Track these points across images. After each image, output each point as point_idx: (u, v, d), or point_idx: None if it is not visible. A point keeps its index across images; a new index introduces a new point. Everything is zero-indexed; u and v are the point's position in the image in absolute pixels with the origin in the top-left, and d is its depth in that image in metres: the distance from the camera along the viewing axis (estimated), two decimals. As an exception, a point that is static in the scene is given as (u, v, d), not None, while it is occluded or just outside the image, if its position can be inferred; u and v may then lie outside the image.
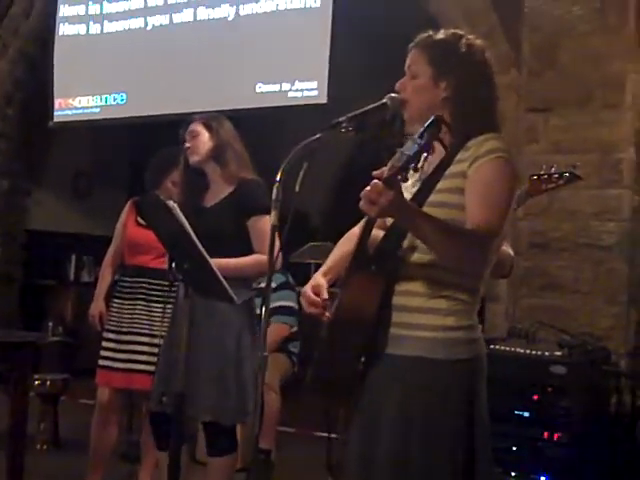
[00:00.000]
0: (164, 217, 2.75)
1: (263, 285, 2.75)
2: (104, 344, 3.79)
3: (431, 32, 2.11)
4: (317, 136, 2.08)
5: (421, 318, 1.94)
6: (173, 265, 2.82)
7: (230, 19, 6.06)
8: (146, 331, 3.74)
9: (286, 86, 5.72)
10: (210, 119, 3.23)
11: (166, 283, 3.63)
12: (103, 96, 6.61)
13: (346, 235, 2.25)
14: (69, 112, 6.81)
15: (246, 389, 3.02)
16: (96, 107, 6.67)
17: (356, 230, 2.22)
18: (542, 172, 3.09)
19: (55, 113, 6.87)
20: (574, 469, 3.52)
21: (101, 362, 3.77)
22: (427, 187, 1.99)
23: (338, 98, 5.26)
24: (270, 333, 4.41)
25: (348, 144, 7.35)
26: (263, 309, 2.07)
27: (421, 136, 1.74)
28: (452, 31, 2.12)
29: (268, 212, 3.04)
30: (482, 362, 2.00)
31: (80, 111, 6.75)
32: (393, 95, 2.09)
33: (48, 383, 4.94)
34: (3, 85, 7.32)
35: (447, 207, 1.93)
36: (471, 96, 2.01)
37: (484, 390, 2.00)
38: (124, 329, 3.77)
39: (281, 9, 5.82)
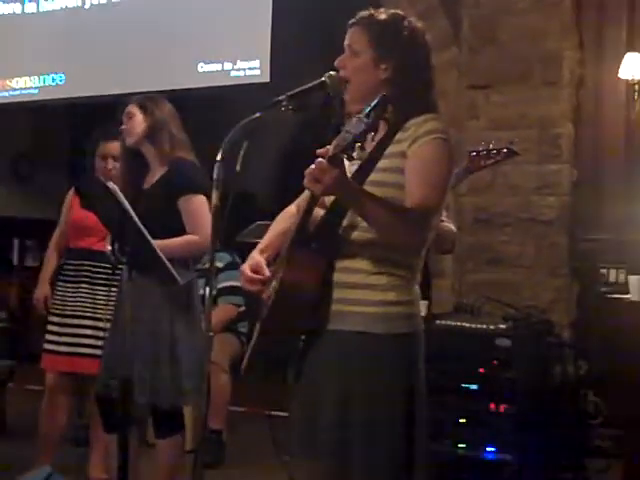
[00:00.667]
0: (105, 199, 2.72)
1: (207, 266, 2.74)
2: (49, 328, 3.75)
3: (372, 11, 2.10)
4: (256, 115, 2.07)
5: (361, 294, 1.97)
6: (115, 247, 2.79)
7: (170, -3, 5.98)
8: (89, 314, 3.70)
9: (228, 65, 5.67)
10: (146, 100, 3.19)
11: (110, 266, 3.62)
12: (41, 77, 6.48)
13: (282, 213, 2.26)
14: (6, 94, 6.66)
15: (181, 371, 3.01)
16: (34, 88, 6.53)
17: (292, 208, 2.23)
18: (480, 148, 3.13)
19: (-8, 95, 6.72)
20: (521, 440, 3.60)
21: (46, 346, 3.73)
22: (367, 166, 2.01)
23: (285, 77, 5.24)
24: (218, 313, 4.47)
25: (292, 123, 7.32)
26: (207, 290, 2.07)
27: (367, 115, 1.75)
28: (394, 11, 2.12)
29: (200, 192, 3.06)
30: (421, 337, 2.04)
31: (18, 92, 6.60)
32: (332, 73, 2.09)
33: (-6, 369, 4.87)
34: (-63, 67, 7.12)
35: (386, 186, 1.96)
36: (411, 79, 2.03)
37: (422, 364, 2.04)
38: (68, 312, 3.73)
39: (222, -14, 5.76)
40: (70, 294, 3.75)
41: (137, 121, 3.15)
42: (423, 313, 3.13)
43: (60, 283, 3.81)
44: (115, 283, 3.48)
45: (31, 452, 3.79)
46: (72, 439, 4.26)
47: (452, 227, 3.10)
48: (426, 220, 1.93)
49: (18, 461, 3.90)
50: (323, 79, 2.08)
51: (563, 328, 4.31)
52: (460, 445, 3.64)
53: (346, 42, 2.09)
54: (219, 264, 4.56)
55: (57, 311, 3.75)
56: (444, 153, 1.97)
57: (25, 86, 6.57)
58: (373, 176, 1.98)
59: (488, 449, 3.59)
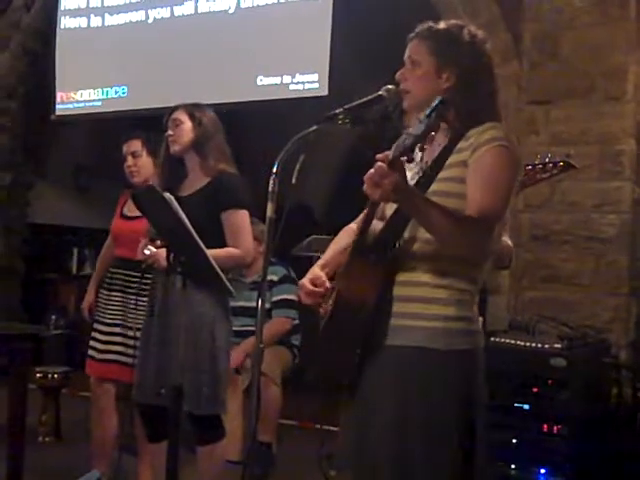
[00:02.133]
0: (160, 209, 2.75)
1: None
2: (92, 334, 3.83)
3: (432, 23, 2.10)
4: (313, 128, 2.08)
5: (421, 308, 1.94)
6: (171, 257, 2.81)
7: (231, 12, 6.05)
8: (120, 322, 3.74)
9: (287, 79, 5.71)
10: (194, 108, 3.21)
11: (144, 275, 3.62)
12: (104, 89, 6.61)
13: (343, 230, 2.25)
14: (71, 105, 6.81)
15: (221, 380, 3.03)
16: (97, 100, 6.67)
17: (353, 226, 2.22)
18: (537, 162, 3.07)
19: (57, 107, 6.86)
20: (574, 462, 3.52)
21: (88, 352, 3.81)
22: (429, 176, 1.99)
23: (342, 91, 5.25)
24: (272, 326, 4.48)
25: (351, 137, 7.33)
26: (259, 302, 2.07)
27: (428, 116, 1.73)
28: (454, 22, 2.11)
29: (243, 207, 3.08)
30: (480, 354, 2.00)
31: (82, 104, 6.75)
32: (389, 87, 2.09)
33: (50, 376, 4.95)
34: (5, 79, 7.31)
35: (448, 196, 1.93)
36: (473, 87, 2.01)
37: (482, 382, 2.00)
38: (103, 320, 3.80)
39: (282, 1, 5.81)
40: (104, 302, 3.83)
41: (185, 129, 3.16)
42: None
43: (101, 291, 3.90)
44: (144, 292, 3.52)
45: (85, 459, 3.85)
46: (123, 447, 4.29)
47: (509, 242, 3.06)
48: (487, 228, 1.89)
49: (73, 468, 3.96)
50: (380, 93, 2.09)
51: (621, 349, 4.20)
52: (512, 466, 3.57)
53: (406, 55, 2.09)
54: (274, 277, 4.57)
55: (98, 318, 3.84)
56: (506, 160, 1.94)
57: (89, 98, 6.71)
58: (435, 186, 1.96)
59: (540, 470, 3.52)
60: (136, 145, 3.85)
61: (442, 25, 2.08)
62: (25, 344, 3.32)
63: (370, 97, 2.11)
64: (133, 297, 3.72)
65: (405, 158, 1.75)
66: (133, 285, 3.72)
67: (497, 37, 4.84)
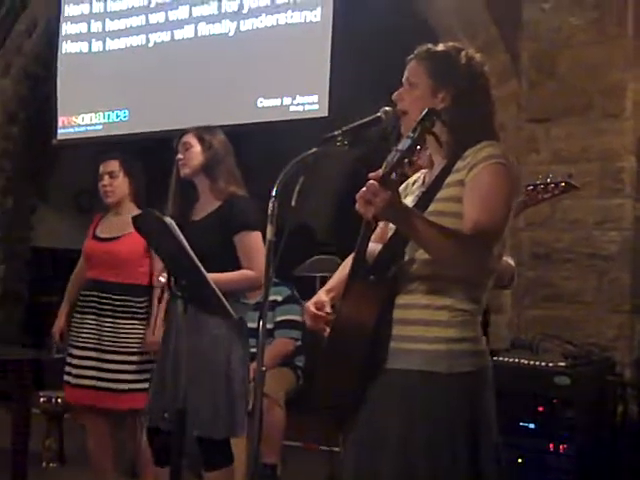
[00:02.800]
0: (161, 233, 2.75)
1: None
2: (66, 359, 3.77)
3: (430, 45, 2.12)
4: (312, 151, 2.09)
5: (422, 331, 1.92)
6: (172, 281, 2.81)
7: (231, 34, 6.08)
8: (94, 346, 3.70)
9: (287, 100, 5.73)
10: (204, 131, 3.23)
11: (116, 297, 3.68)
12: (106, 113, 6.63)
13: (350, 257, 2.24)
14: (72, 130, 6.83)
15: (236, 403, 3.02)
16: (99, 124, 6.69)
17: None
18: (538, 182, 3.08)
19: (58, 131, 6.88)
20: (580, 480, 3.50)
21: (64, 377, 3.75)
22: (427, 197, 1.99)
23: (342, 112, 5.27)
24: (275, 347, 4.47)
25: (352, 158, 7.35)
26: (260, 323, 2.07)
27: (414, 130, 1.74)
28: (452, 44, 2.13)
29: (255, 228, 3.08)
30: (487, 375, 1.98)
31: (83, 128, 6.76)
32: (387, 109, 2.11)
33: (53, 400, 4.93)
34: (7, 104, 7.36)
35: (446, 216, 1.93)
36: (469, 107, 2.01)
37: (491, 402, 1.98)
38: (77, 344, 3.74)
39: (281, 24, 5.84)
40: (78, 325, 3.78)
41: (195, 152, 3.18)
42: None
43: (74, 314, 3.86)
44: (120, 315, 3.54)
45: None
46: (126, 471, 4.27)
47: (511, 261, 3.05)
48: (485, 246, 1.87)
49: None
50: (379, 114, 2.10)
51: (625, 366, 4.18)
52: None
53: (404, 76, 2.10)
54: (278, 297, 4.56)
55: (72, 342, 3.78)
56: (503, 178, 1.93)
57: (90, 122, 6.73)
58: (433, 206, 1.96)
59: (546, 490, 3.50)
60: (114, 165, 3.85)
61: (440, 47, 2.10)
62: (27, 369, 3.32)
63: (368, 119, 2.12)
64: (109, 320, 3.69)
65: (395, 174, 1.75)
66: (107, 307, 3.70)
67: (496, 57, 4.87)
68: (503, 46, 4.94)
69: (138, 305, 3.75)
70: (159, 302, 3.12)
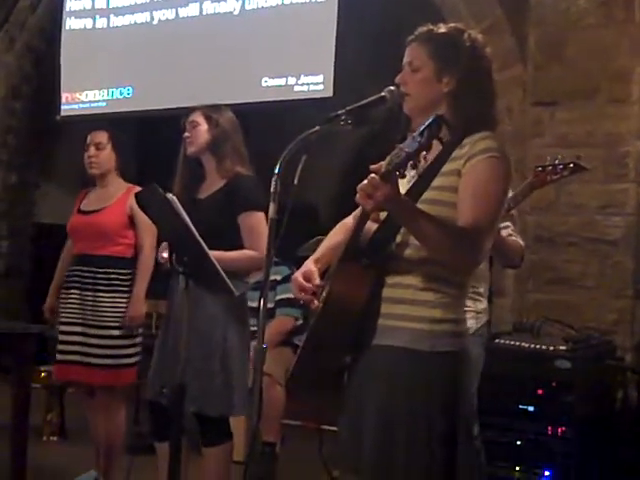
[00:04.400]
0: (163, 210, 2.75)
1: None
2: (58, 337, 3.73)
3: (431, 26, 2.09)
4: (315, 129, 2.08)
5: (408, 309, 1.95)
6: (173, 257, 2.82)
7: (236, 13, 6.06)
8: (79, 321, 3.66)
9: (292, 80, 5.71)
10: (211, 110, 3.22)
11: (99, 270, 3.64)
12: (110, 90, 6.62)
13: (338, 225, 2.27)
14: (76, 106, 6.82)
15: (232, 382, 3.03)
16: (103, 101, 6.68)
17: (348, 220, 2.23)
18: (547, 163, 3.07)
19: (62, 107, 6.87)
20: (579, 464, 3.51)
21: (56, 356, 3.71)
22: (423, 183, 1.99)
23: (349, 92, 5.25)
24: (275, 325, 4.48)
25: (357, 137, 7.33)
26: (261, 302, 2.07)
27: (421, 134, 1.73)
28: (453, 25, 2.11)
29: (260, 209, 3.07)
30: (467, 356, 2.01)
31: (87, 105, 6.76)
32: (392, 88, 2.09)
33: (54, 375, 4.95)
34: (11, 79, 7.33)
35: (440, 205, 1.94)
36: (473, 92, 2.01)
37: (468, 382, 2.03)
38: (62, 319, 3.72)
39: (286, 3, 5.81)
40: (64, 301, 3.75)
41: (201, 131, 3.18)
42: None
43: (61, 291, 3.83)
44: (102, 288, 3.54)
45: (89, 457, 3.87)
46: (128, 447, 4.28)
47: (520, 241, 3.05)
48: (478, 241, 1.90)
49: (76, 466, 3.98)
50: (383, 94, 2.08)
51: (626, 351, 4.20)
52: (516, 468, 3.57)
53: (406, 59, 2.08)
54: (277, 277, 4.57)
55: (61, 319, 3.76)
56: (499, 172, 1.95)
57: (94, 99, 6.72)
58: (428, 194, 1.96)
59: (545, 473, 3.51)
60: (102, 137, 3.82)
61: (442, 29, 2.07)
62: (28, 343, 3.33)
63: (372, 98, 2.10)
64: (90, 293, 3.66)
65: (397, 173, 1.77)
66: (89, 281, 3.67)
67: (501, 40, 4.84)
68: (509, 29, 4.91)
69: (122, 278, 3.70)
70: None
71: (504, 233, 2.97)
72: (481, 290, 3.08)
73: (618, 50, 4.45)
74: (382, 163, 1.80)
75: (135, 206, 3.68)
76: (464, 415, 1.96)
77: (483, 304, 3.09)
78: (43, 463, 3.91)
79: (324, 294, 2.01)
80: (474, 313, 2.97)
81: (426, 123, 1.74)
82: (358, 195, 1.81)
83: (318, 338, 2.01)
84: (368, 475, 1.95)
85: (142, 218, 3.67)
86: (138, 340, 3.74)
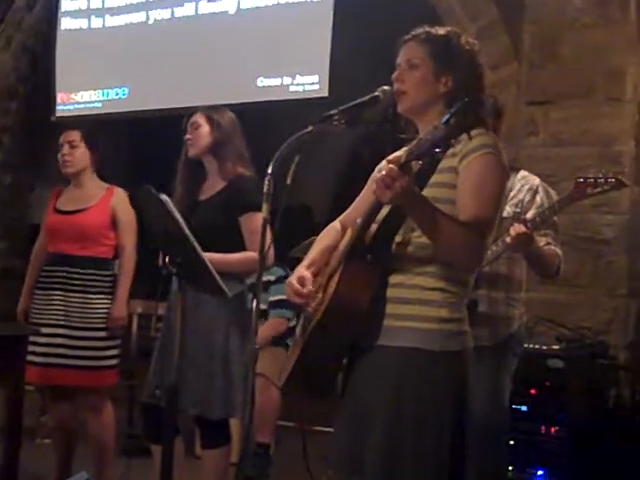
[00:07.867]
0: (157, 210, 2.75)
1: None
2: (30, 338, 3.55)
3: (427, 27, 2.11)
4: (308, 129, 2.09)
5: (415, 309, 1.95)
6: (166, 259, 2.81)
7: (231, 13, 6.05)
8: (63, 323, 3.61)
9: (287, 80, 5.71)
10: (212, 111, 3.22)
11: (83, 271, 3.61)
12: (105, 90, 6.62)
13: (326, 229, 2.27)
14: (71, 107, 6.81)
15: (233, 384, 3.02)
16: (98, 102, 6.67)
17: (336, 224, 2.23)
18: (589, 176, 3.04)
19: (57, 107, 6.87)
20: (572, 464, 3.52)
21: (28, 357, 3.51)
22: (421, 180, 1.99)
23: (344, 93, 5.25)
24: (268, 327, 4.47)
25: (351, 138, 7.33)
26: (254, 303, 2.08)
27: (447, 121, 1.68)
28: (450, 28, 2.14)
29: (260, 210, 3.06)
30: (471, 354, 2.02)
31: (82, 106, 6.75)
32: (385, 88, 2.10)
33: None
34: (6, 79, 7.32)
35: (439, 202, 1.94)
36: (469, 95, 2.01)
37: (471, 381, 2.02)
38: (43, 321, 3.64)
39: (282, 3, 5.81)
40: (42, 302, 3.68)
41: (203, 132, 3.17)
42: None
43: (36, 291, 3.75)
44: (91, 289, 3.53)
45: (82, 459, 3.84)
46: (122, 449, 4.27)
47: (558, 251, 3.00)
48: (481, 237, 1.91)
49: (71, 469, 3.97)
50: (376, 94, 2.09)
51: (619, 350, 4.20)
52: (510, 467, 3.57)
53: (403, 57, 2.09)
54: (271, 277, 4.57)
55: (37, 320, 3.67)
56: (495, 168, 1.96)
57: (89, 99, 6.71)
58: (426, 191, 1.96)
59: (538, 472, 3.52)
60: (74, 135, 3.79)
61: (440, 31, 2.10)
62: (22, 345, 3.31)
63: (366, 98, 2.11)
64: (77, 295, 3.61)
65: (420, 162, 1.76)
66: (76, 282, 3.63)
67: (497, 39, 4.84)
68: (504, 28, 4.91)
69: (104, 279, 3.68)
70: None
71: (542, 242, 2.95)
72: (516, 296, 3.07)
73: (613, 49, 4.45)
74: (399, 154, 1.80)
75: (117, 207, 3.70)
76: (471, 414, 1.98)
77: (517, 309, 3.09)
78: (36, 466, 3.88)
79: (320, 295, 2.00)
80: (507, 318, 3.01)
81: (452, 110, 1.70)
82: (376, 186, 1.80)
83: (320, 339, 2.00)
84: (376, 476, 1.93)
85: (123, 219, 3.69)
86: (119, 342, 3.73)
